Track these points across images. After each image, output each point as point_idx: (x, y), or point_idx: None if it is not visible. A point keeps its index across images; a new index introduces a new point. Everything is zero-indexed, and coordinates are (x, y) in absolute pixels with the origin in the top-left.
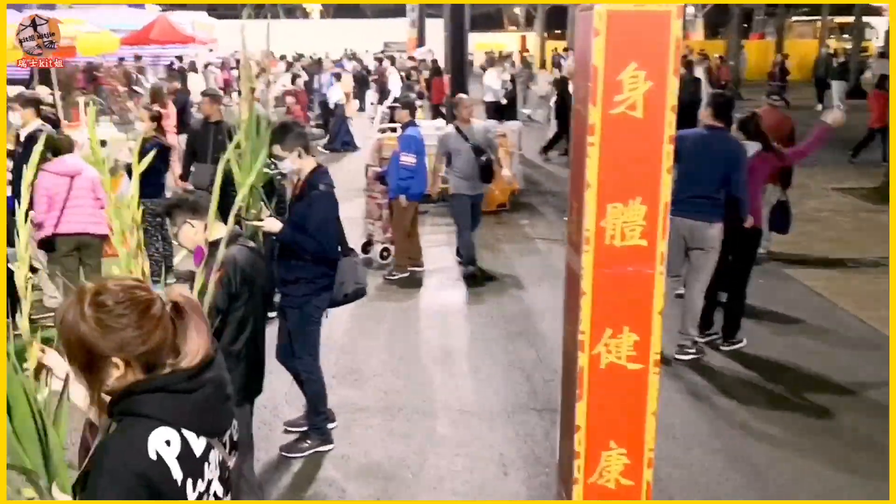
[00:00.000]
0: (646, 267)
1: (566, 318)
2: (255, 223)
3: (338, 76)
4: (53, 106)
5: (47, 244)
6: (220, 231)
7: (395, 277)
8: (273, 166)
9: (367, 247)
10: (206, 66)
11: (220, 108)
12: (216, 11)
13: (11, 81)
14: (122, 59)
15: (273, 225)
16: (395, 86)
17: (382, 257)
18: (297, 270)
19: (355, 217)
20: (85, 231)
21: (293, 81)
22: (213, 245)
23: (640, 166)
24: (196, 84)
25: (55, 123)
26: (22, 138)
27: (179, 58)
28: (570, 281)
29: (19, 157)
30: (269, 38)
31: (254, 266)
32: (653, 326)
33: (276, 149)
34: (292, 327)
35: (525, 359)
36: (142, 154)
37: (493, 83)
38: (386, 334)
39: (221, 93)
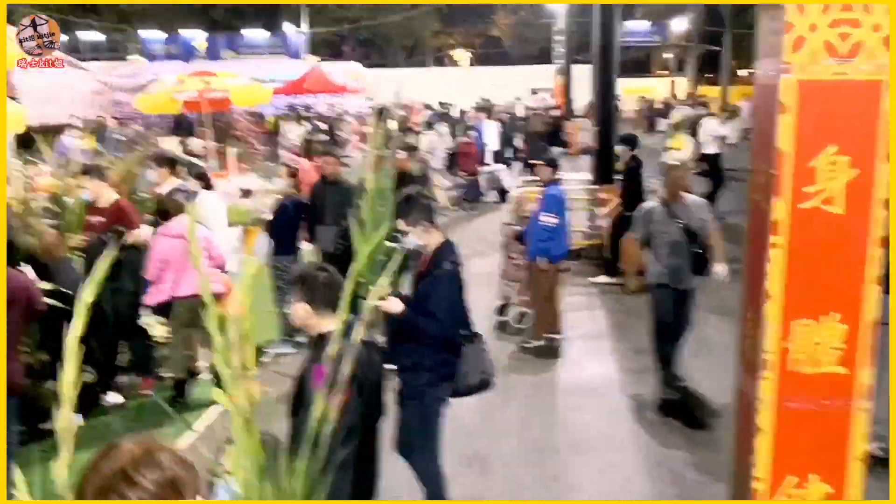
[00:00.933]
0: (843, 401)
1: (737, 455)
2: (374, 302)
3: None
4: (203, 157)
5: (165, 309)
6: (331, 323)
7: (531, 346)
8: (397, 239)
9: (502, 309)
10: (339, 115)
11: (340, 165)
12: (369, 60)
13: (177, 127)
14: (261, 115)
15: (394, 305)
16: (490, 138)
17: (519, 322)
18: (416, 356)
19: (491, 273)
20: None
21: (465, 133)
22: (322, 338)
23: (839, 275)
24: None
25: (202, 177)
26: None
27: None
28: (743, 412)
29: (153, 220)
30: (402, 86)
31: (369, 364)
32: (850, 476)
33: (400, 223)
34: (409, 418)
35: (676, 457)
36: (278, 212)
37: (714, 130)
38: (518, 415)
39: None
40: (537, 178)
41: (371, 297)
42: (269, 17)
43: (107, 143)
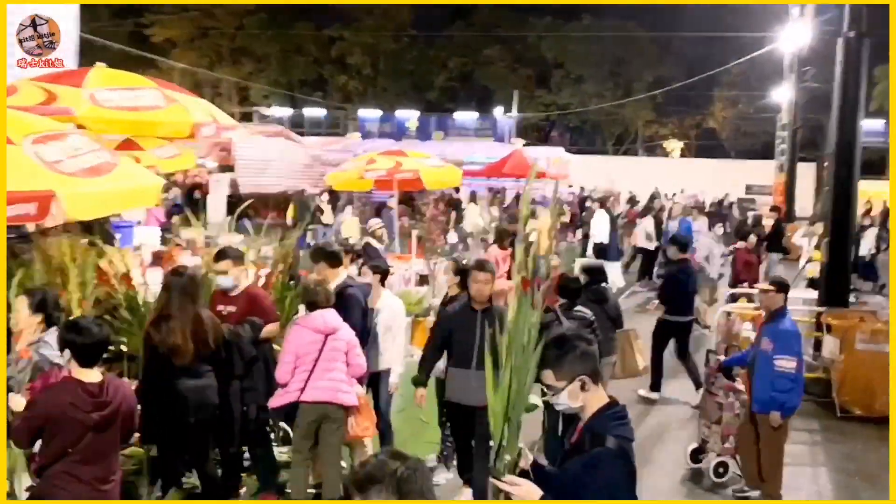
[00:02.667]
0: None
1: None
2: (503, 484)
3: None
4: (381, 240)
5: (289, 412)
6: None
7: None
8: (546, 394)
9: (697, 455)
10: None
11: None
12: (577, 147)
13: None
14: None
15: (529, 493)
16: (599, 230)
17: (718, 474)
18: None
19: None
20: (331, 400)
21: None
22: None
23: None
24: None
25: (379, 269)
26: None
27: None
28: None
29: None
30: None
31: None
32: None
33: (547, 375)
34: None
35: None
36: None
37: None
38: None
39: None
40: (750, 293)
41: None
42: (481, 101)
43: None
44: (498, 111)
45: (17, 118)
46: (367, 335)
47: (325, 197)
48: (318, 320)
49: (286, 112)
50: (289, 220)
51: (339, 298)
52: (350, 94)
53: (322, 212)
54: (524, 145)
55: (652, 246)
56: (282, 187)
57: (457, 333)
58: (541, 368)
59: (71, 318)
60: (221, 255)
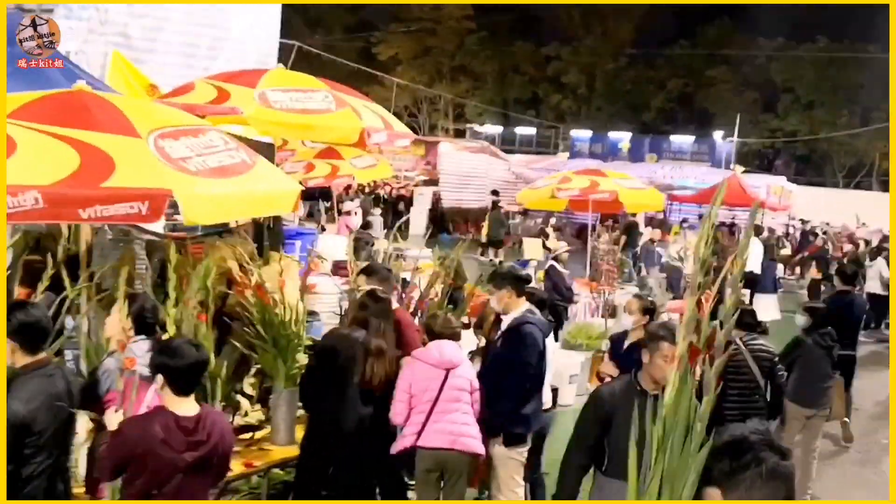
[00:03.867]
0: None
1: None
2: None
3: None
4: (566, 264)
5: (409, 459)
6: None
7: None
8: None
9: None
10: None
11: None
12: (804, 178)
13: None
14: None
15: None
16: (751, 259)
17: None
18: None
19: None
20: (452, 447)
21: None
22: None
23: None
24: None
25: (544, 304)
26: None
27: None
28: None
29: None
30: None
31: None
32: None
33: (712, 494)
34: None
35: None
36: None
37: None
38: None
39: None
40: None
41: None
42: (700, 124)
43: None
44: (717, 135)
45: (146, 110)
46: (540, 382)
47: (552, 221)
48: (436, 353)
49: (498, 129)
50: (482, 237)
51: (514, 333)
52: (563, 113)
53: (546, 237)
54: (743, 172)
55: (885, 291)
56: (483, 203)
57: (618, 427)
58: (704, 484)
59: (164, 339)
60: (370, 271)
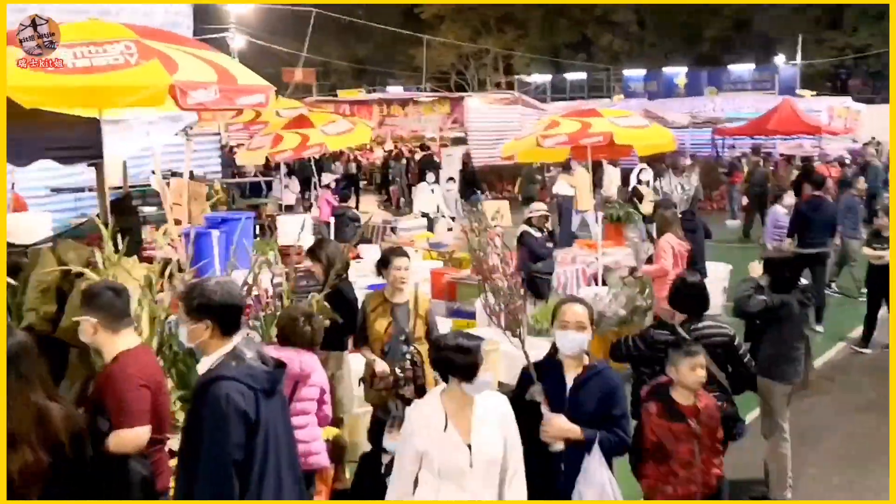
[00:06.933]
0: None
1: None
2: None
3: None
4: (540, 228)
5: None
6: None
7: None
8: None
9: None
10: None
11: None
12: (864, 95)
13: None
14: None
15: None
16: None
17: None
18: None
19: None
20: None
21: None
22: None
23: None
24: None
25: None
26: None
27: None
28: None
29: None
30: None
31: None
32: None
33: None
34: None
35: None
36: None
37: None
38: None
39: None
40: None
41: None
42: (761, 50)
43: None
44: (779, 60)
45: None
46: None
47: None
48: (293, 362)
49: (546, 78)
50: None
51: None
52: (616, 53)
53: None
54: (813, 96)
55: None
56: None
57: None
58: None
59: None
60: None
